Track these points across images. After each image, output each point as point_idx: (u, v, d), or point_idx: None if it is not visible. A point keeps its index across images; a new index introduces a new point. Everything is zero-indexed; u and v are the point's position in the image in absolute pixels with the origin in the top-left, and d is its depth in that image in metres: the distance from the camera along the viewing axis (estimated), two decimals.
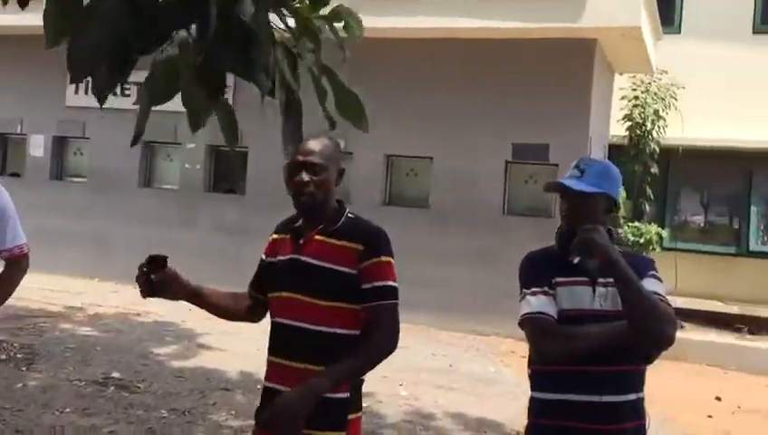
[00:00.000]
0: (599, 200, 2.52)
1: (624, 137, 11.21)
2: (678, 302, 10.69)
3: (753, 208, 11.17)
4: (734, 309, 10.69)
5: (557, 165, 9.19)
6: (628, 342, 2.38)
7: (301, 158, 2.54)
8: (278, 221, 2.74)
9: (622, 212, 10.75)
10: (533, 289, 2.48)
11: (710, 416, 6.55)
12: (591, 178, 2.51)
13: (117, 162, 10.96)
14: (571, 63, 9.29)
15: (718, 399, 7.14)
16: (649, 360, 2.51)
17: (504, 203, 9.52)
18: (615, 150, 11.28)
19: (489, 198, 9.47)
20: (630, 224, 10.77)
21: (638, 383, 2.49)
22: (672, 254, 11.00)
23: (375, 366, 2.52)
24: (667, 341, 2.39)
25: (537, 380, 2.53)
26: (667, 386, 7.49)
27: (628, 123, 11.14)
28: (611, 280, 2.41)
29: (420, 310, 9.19)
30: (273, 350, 2.58)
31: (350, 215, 2.60)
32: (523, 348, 2.67)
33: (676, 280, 10.74)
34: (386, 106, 9.87)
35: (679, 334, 7.95)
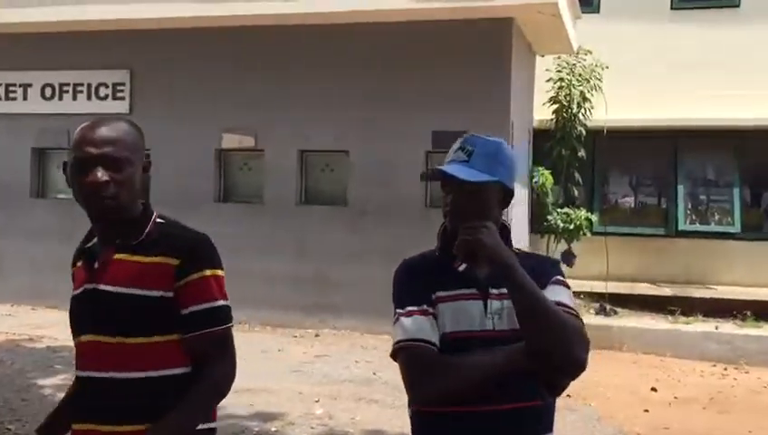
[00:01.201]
0: (492, 191, 1.97)
1: (551, 120, 10.87)
2: (611, 287, 10.47)
3: (681, 188, 10.98)
4: (666, 291, 10.49)
5: None
6: (530, 370, 1.83)
7: (94, 150, 1.88)
8: None
9: (550, 198, 10.43)
10: (409, 308, 1.92)
11: (646, 410, 6.19)
12: (481, 163, 1.95)
13: (5, 171, 10.02)
14: (488, 45, 8.84)
15: (654, 390, 6.81)
16: (557, 391, 1.96)
17: (427, 195, 9.02)
18: (542, 135, 10.94)
19: (410, 191, 8.95)
20: (559, 210, 10.44)
21: (546, 423, 1.94)
22: (602, 238, 10.74)
23: (213, 407, 1.97)
24: (579, 365, 1.86)
25: (419, 424, 1.97)
26: (602, 379, 7.12)
27: (555, 106, 10.80)
28: (507, 291, 1.87)
29: (343, 314, 8.64)
30: (78, 414, 1.96)
31: (159, 220, 1.99)
32: None
33: (608, 265, 10.48)
34: (298, 98, 9.27)
35: (614, 322, 7.60)
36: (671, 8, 11.36)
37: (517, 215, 9.41)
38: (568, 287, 2.01)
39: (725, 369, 7.64)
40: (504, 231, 2.00)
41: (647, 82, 11.04)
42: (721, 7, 11.16)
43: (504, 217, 2.05)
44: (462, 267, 1.94)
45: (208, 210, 9.21)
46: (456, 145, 2.01)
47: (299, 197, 9.38)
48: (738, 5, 11.07)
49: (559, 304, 1.89)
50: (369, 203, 9.04)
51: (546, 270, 2.01)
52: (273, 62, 9.38)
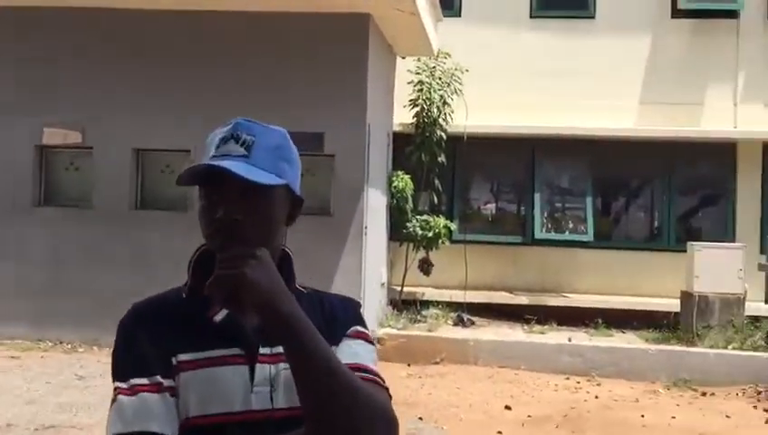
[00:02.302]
0: (280, 199, 1.39)
1: (411, 124, 10.53)
2: (469, 296, 10.28)
3: (537, 196, 10.98)
4: (523, 300, 10.43)
5: (333, 155, 8.22)
6: None
7: None
8: None
9: (410, 204, 10.07)
10: (134, 381, 1.29)
11: (500, 432, 5.86)
12: (266, 160, 1.36)
13: None
14: (345, 42, 8.33)
15: (508, 408, 6.52)
16: None
17: None
18: (402, 138, 10.58)
19: None
20: (419, 217, 10.10)
21: None
22: (461, 246, 10.53)
23: None
24: None
25: None
26: (456, 398, 6.76)
27: (415, 109, 10.46)
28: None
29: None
30: None
31: None
32: None
33: (466, 273, 10.28)
34: (133, 91, 8.33)
35: (470, 335, 7.21)
36: (530, 17, 11.36)
37: (376, 222, 8.96)
38: (371, 343, 1.46)
39: (578, 382, 7.52)
40: (286, 262, 1.42)
41: (506, 88, 10.96)
42: (577, 18, 11.29)
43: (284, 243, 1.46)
44: (219, 316, 1.33)
45: (25, 215, 8.08)
46: (223, 132, 1.38)
47: (133, 201, 8.43)
48: (594, 17, 11.24)
49: (358, 368, 1.33)
50: None
51: (344, 317, 1.45)
52: (106, 49, 8.39)
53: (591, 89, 10.96)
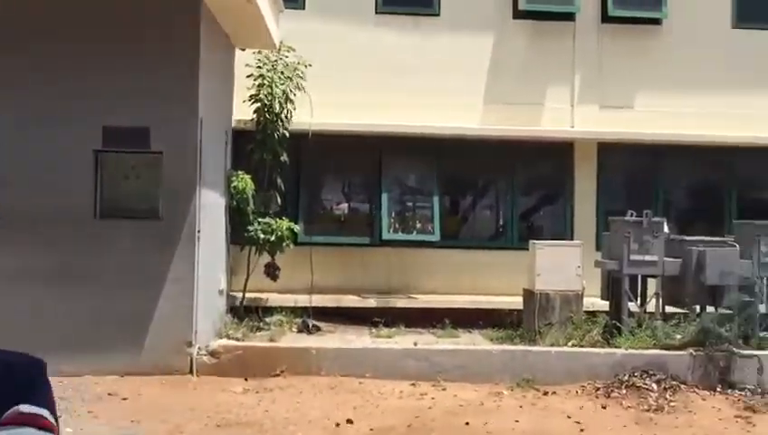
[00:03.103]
0: None
1: (252, 120, 9.92)
2: (317, 300, 9.85)
3: (385, 196, 10.73)
4: (371, 303, 10.15)
5: (161, 152, 7.49)
6: None
7: None
8: None
9: (252, 206, 9.47)
10: None
11: None
12: None
13: None
14: (173, 29, 7.61)
15: (350, 422, 6.14)
16: None
17: (96, 204, 7.48)
18: (243, 136, 9.95)
19: (75, 200, 7.37)
20: (261, 220, 9.52)
21: None
22: (308, 249, 10.08)
23: None
24: None
25: None
26: (294, 414, 6.28)
27: (256, 105, 9.87)
28: None
29: None
30: None
31: None
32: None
33: (312, 277, 9.84)
34: None
35: (312, 344, 6.72)
36: (375, 12, 11.10)
37: (212, 225, 8.30)
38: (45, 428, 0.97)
39: (424, 389, 7.28)
40: None
41: (352, 85, 10.65)
42: (422, 14, 11.16)
43: None
44: None
45: None
46: None
47: None
48: (438, 14, 11.16)
49: None
50: (20, 215, 7.24)
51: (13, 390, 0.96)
52: None
53: (437, 87, 10.87)
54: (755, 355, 7.74)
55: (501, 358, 7.86)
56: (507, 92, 11.17)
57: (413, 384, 7.40)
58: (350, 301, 10.20)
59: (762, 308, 8.58)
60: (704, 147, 10.96)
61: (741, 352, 7.77)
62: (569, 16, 11.25)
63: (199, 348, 7.40)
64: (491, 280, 10.67)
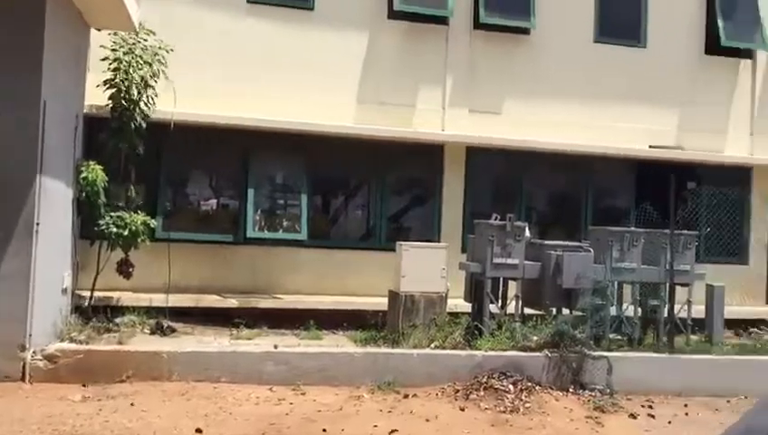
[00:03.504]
0: None
1: (106, 107, 9.23)
2: (175, 300, 9.30)
3: (251, 192, 10.34)
4: (232, 303, 9.74)
5: None
6: None
7: None
8: None
9: (103, 199, 8.80)
10: None
11: None
12: None
13: None
14: (14, 5, 6.89)
15: (199, 431, 5.75)
16: None
17: None
18: (97, 124, 9.25)
19: None
20: (113, 214, 8.87)
21: None
22: (165, 246, 9.51)
23: None
24: None
25: None
26: (137, 423, 5.81)
27: (111, 90, 9.19)
28: None
29: None
30: None
31: None
32: None
33: (170, 275, 9.29)
34: None
35: (162, 347, 6.17)
36: (247, 1, 10.68)
37: (55, 217, 7.60)
38: None
39: (282, 395, 7.00)
40: None
41: (220, 76, 10.22)
42: (296, 8, 10.86)
43: None
44: None
45: None
46: None
47: None
48: (312, 8, 10.90)
49: None
50: None
51: None
52: None
53: (310, 83, 10.64)
54: (605, 356, 8.03)
55: (363, 360, 7.70)
56: (380, 92, 11.09)
57: (271, 389, 7.09)
58: (211, 301, 9.74)
59: (612, 310, 8.97)
60: (564, 155, 11.37)
61: (592, 353, 8.03)
62: (442, 20, 11.33)
63: (34, 352, 6.73)
64: (358, 281, 10.54)
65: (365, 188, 11.72)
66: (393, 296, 9.09)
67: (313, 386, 7.27)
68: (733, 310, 10.28)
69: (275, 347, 7.73)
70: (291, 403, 6.79)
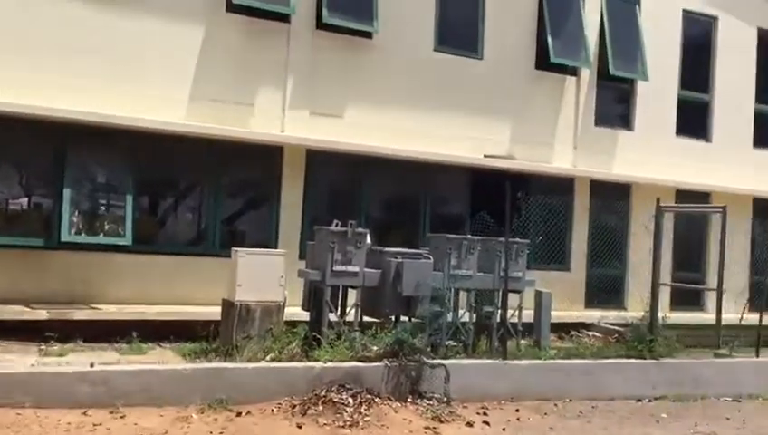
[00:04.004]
0: None
1: None
2: None
3: (68, 192, 9.33)
4: (42, 314, 8.71)
5: None
6: None
7: None
8: None
9: None
10: None
11: None
12: None
13: None
14: None
15: None
16: None
17: None
18: None
19: None
20: None
21: None
22: None
23: None
24: None
25: None
26: None
27: None
28: None
29: None
30: None
31: None
32: None
33: None
34: None
35: None
36: None
37: None
38: None
39: (98, 419, 6.26)
40: None
41: (34, 62, 9.16)
42: None
43: None
44: None
45: None
46: None
47: None
48: None
49: None
50: None
51: None
52: None
53: (138, 75, 9.85)
54: (443, 364, 8.02)
55: (192, 377, 7.11)
56: (217, 89, 10.50)
57: (85, 413, 6.32)
58: (15, 312, 8.66)
59: (449, 317, 9.02)
60: (404, 161, 11.39)
61: (430, 361, 7.99)
62: (284, 17, 10.94)
63: None
64: (189, 289, 9.89)
65: (198, 189, 11.03)
66: (227, 306, 8.55)
67: (135, 408, 6.59)
68: (557, 314, 10.76)
69: (92, 365, 6.93)
70: (108, 429, 6.09)
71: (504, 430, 7.16)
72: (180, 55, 10.28)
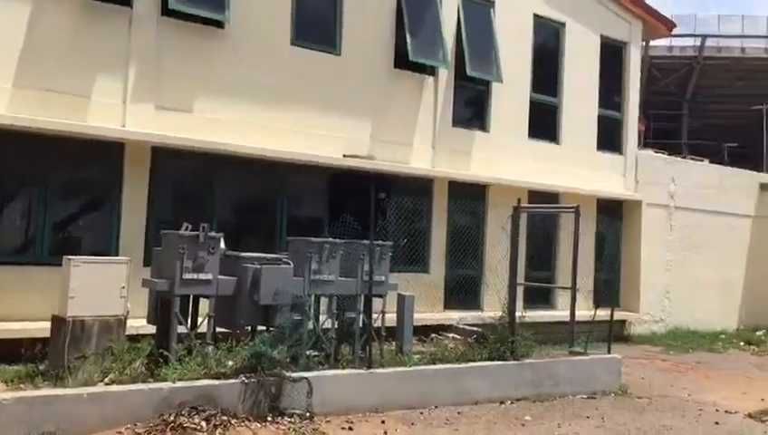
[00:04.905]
0: None
1: None
2: None
3: None
4: None
5: None
6: None
7: None
8: None
9: None
10: None
11: None
12: None
13: None
14: None
15: None
16: None
17: None
18: None
19: None
20: None
21: None
22: None
23: None
24: None
25: None
26: None
27: None
28: None
29: None
30: None
31: None
32: None
33: None
34: None
35: None
36: None
37: None
38: None
39: None
40: None
41: None
42: None
43: None
44: None
45: None
46: None
47: None
48: None
49: None
50: None
51: None
52: None
53: None
54: (305, 377, 7.51)
55: (14, 407, 6.11)
56: (46, 77, 9.35)
57: None
58: None
59: (310, 325, 8.50)
60: (259, 160, 10.74)
61: (291, 375, 7.46)
62: (125, 0, 9.94)
63: None
64: (12, 303, 8.69)
65: (23, 190, 9.72)
66: (58, 322, 7.55)
67: None
68: (418, 317, 10.56)
69: None
70: None
71: None
72: (1, 38, 9.04)
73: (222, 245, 8.13)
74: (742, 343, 16.28)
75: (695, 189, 17.32)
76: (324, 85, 11.69)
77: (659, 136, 37.23)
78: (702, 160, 19.75)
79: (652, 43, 25.31)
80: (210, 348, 7.57)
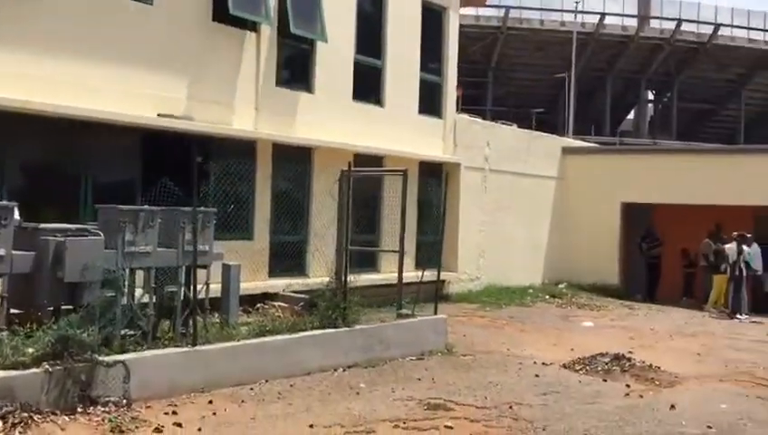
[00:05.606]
0: None
1: None
2: None
3: None
4: None
5: None
6: None
7: None
8: None
9: None
10: None
11: None
12: None
13: None
14: None
15: None
16: None
17: None
18: None
19: None
20: None
21: None
22: None
23: None
24: None
25: None
26: None
27: None
28: None
29: None
30: None
31: None
32: None
33: None
34: None
35: None
36: None
37: None
38: None
39: None
40: None
41: None
42: None
43: None
44: None
45: None
46: None
47: None
48: None
49: None
50: None
51: None
52: None
53: None
54: (120, 361, 6.78)
55: None
56: None
57: None
58: None
59: (124, 301, 7.69)
60: (58, 119, 9.52)
61: (104, 359, 6.69)
62: None
63: None
64: None
65: None
66: None
67: None
68: (242, 286, 10.05)
69: None
70: None
71: (200, 430, 6.25)
72: None
73: (17, 215, 7.08)
74: (547, 297, 17.49)
75: (507, 153, 18.16)
76: (135, 37, 10.58)
77: (466, 102, 38.96)
78: (511, 125, 20.79)
79: (462, 11, 26.10)
80: (5, 335, 6.59)
